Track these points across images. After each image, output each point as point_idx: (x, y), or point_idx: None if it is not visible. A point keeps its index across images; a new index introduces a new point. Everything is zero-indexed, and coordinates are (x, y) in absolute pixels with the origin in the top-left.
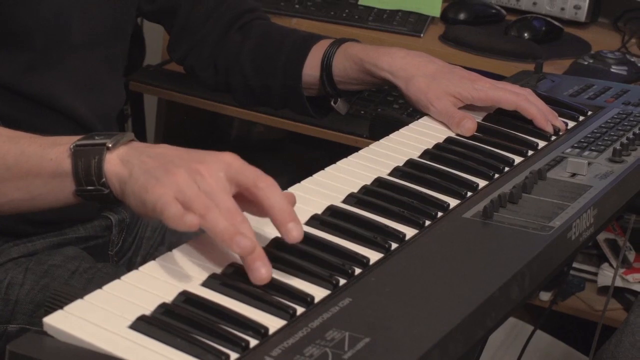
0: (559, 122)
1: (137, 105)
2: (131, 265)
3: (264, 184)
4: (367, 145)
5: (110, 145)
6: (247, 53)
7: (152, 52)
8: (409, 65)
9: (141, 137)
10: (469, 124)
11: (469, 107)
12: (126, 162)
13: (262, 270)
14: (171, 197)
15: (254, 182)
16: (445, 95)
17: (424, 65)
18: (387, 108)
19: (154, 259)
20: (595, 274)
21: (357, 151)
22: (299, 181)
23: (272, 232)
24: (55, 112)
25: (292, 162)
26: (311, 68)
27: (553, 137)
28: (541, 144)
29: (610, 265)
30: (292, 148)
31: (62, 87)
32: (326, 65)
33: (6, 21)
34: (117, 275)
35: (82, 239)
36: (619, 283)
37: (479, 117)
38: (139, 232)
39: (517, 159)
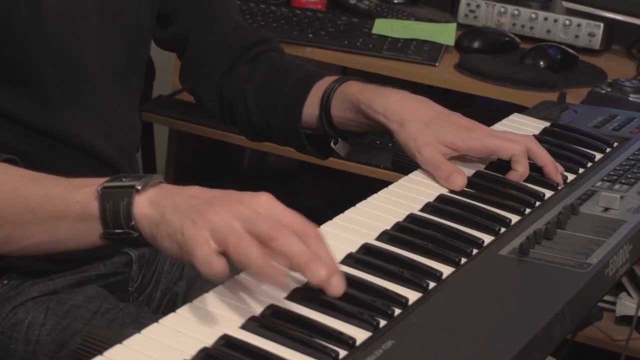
0: (559, 176)
1: (147, 136)
2: (151, 301)
3: (312, 233)
4: (384, 175)
5: (139, 188)
6: (252, 88)
7: (164, 81)
8: (404, 110)
9: (151, 167)
10: (460, 180)
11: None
12: (156, 204)
13: (322, 272)
14: (204, 238)
15: (302, 230)
16: (436, 143)
17: (420, 111)
18: None
19: (173, 293)
20: (613, 303)
21: (370, 181)
22: (312, 210)
23: None
24: (74, 149)
25: (306, 191)
26: (311, 107)
27: (581, 170)
28: (570, 177)
29: (629, 294)
30: (304, 177)
31: (80, 123)
32: (325, 105)
33: (18, 57)
34: (139, 315)
35: (102, 276)
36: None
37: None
38: (158, 267)
39: (548, 193)
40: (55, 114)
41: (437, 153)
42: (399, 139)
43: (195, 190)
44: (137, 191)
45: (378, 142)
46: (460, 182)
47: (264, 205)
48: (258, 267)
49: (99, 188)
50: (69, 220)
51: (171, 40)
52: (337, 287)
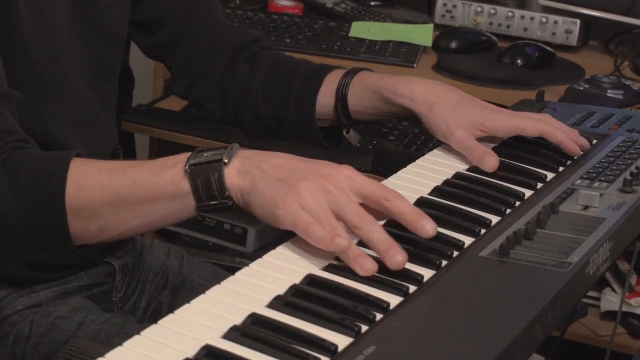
0: (583, 140)
1: (128, 145)
2: (136, 311)
3: (391, 196)
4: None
5: (226, 161)
6: (258, 84)
7: (143, 91)
8: (429, 93)
9: None
10: (492, 161)
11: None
12: (245, 173)
13: (398, 258)
14: (309, 216)
15: (382, 196)
16: (468, 124)
17: (446, 94)
18: (383, 140)
19: (158, 303)
20: (598, 299)
21: None
22: None
23: None
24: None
25: None
26: (325, 98)
27: (561, 168)
28: (550, 175)
29: (613, 289)
30: None
31: (60, 126)
32: (341, 95)
33: None
34: (125, 325)
35: (85, 286)
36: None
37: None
38: (142, 276)
39: (528, 193)
40: (34, 115)
41: (468, 135)
42: (428, 121)
43: (279, 159)
44: (225, 164)
45: (358, 144)
46: (492, 163)
47: (346, 180)
48: (344, 254)
49: (187, 167)
50: (161, 201)
51: (159, 47)
52: (429, 229)
